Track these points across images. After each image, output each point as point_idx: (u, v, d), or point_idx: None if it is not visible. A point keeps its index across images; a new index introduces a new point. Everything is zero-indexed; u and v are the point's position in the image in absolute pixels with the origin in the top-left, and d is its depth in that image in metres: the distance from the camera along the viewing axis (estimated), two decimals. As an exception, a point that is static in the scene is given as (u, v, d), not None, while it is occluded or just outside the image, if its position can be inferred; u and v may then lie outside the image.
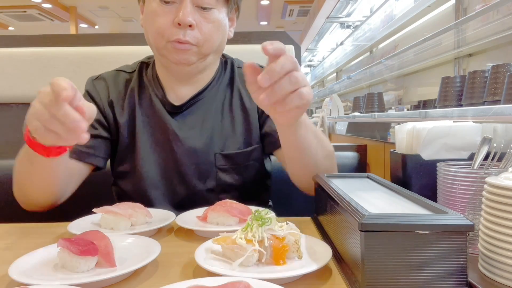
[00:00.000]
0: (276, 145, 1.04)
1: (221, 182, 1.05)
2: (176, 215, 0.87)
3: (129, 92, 1.07)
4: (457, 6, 2.38)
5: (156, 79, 1.07)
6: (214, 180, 1.04)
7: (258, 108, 1.07)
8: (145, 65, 1.11)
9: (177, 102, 1.04)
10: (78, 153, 0.97)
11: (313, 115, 3.90)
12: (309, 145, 0.88)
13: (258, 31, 1.52)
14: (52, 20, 10.11)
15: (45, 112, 0.66)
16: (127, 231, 0.78)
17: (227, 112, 1.07)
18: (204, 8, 0.93)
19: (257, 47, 1.49)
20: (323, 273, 0.60)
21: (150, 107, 1.05)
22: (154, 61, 1.10)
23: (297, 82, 0.66)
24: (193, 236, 0.80)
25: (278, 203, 1.39)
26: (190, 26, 0.91)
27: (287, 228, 0.63)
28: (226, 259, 0.62)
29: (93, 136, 0.96)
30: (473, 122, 0.89)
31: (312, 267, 0.57)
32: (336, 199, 0.65)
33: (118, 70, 1.11)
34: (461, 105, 1.31)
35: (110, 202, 1.00)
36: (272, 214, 0.64)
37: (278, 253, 0.60)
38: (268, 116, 1.06)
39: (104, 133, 1.03)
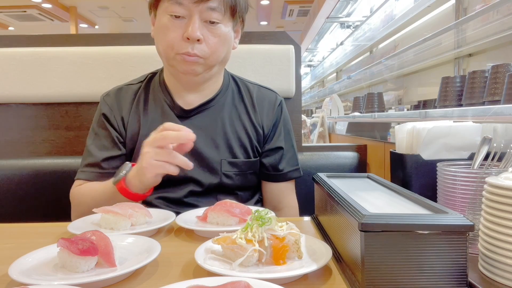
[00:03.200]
0: (265, 177, 1.16)
1: (224, 185, 1.08)
2: (177, 215, 0.87)
3: (137, 100, 1.12)
4: (457, 6, 2.37)
5: (164, 86, 1.12)
6: (218, 183, 1.08)
7: (264, 129, 1.14)
8: (153, 75, 1.17)
9: (186, 107, 1.09)
10: (106, 177, 1.05)
11: (313, 115, 3.89)
12: None
13: (258, 31, 1.52)
14: (52, 20, 10.11)
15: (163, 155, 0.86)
16: (127, 231, 0.78)
17: (235, 122, 1.12)
18: (212, 23, 0.98)
19: (257, 47, 1.50)
20: (323, 273, 0.60)
21: (158, 111, 1.10)
22: (161, 70, 1.15)
23: None
24: (193, 236, 0.80)
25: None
26: (198, 40, 0.97)
27: (287, 228, 0.63)
28: (226, 259, 0.62)
29: (117, 157, 1.07)
30: (473, 122, 0.89)
31: (312, 267, 0.57)
32: (336, 199, 0.65)
33: (128, 84, 1.17)
34: (461, 105, 1.31)
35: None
36: (272, 214, 0.64)
37: (278, 253, 0.60)
38: (272, 150, 1.15)
39: (123, 149, 1.10)
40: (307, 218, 0.93)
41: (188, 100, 1.09)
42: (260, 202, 1.20)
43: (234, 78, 1.19)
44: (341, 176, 0.90)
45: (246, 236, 0.61)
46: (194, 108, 1.09)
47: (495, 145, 0.69)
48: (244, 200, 1.11)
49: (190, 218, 0.86)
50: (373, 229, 0.51)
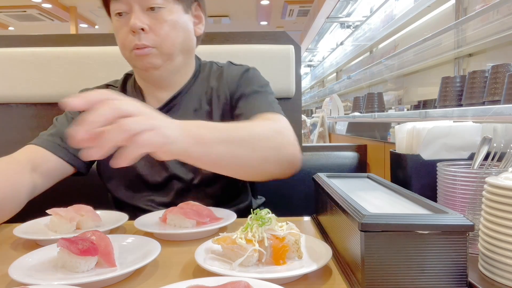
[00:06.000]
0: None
1: (206, 178, 1.03)
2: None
3: None
4: (457, 6, 2.38)
5: (137, 88, 1.10)
6: (200, 177, 1.03)
7: (231, 100, 1.04)
8: (129, 76, 1.15)
9: (157, 106, 1.06)
10: (65, 153, 0.98)
11: (313, 115, 3.90)
12: (236, 156, 0.75)
13: (258, 31, 1.52)
14: (52, 20, 10.10)
15: None
16: (71, 234, 0.76)
17: (205, 110, 1.06)
18: (153, 9, 0.94)
19: (257, 47, 1.50)
20: (323, 273, 0.60)
21: None
22: None
23: (128, 129, 0.56)
24: (193, 237, 0.80)
25: (278, 203, 1.39)
26: (143, 30, 0.94)
27: (287, 228, 0.63)
28: (226, 259, 0.62)
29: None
30: (473, 122, 0.89)
31: (312, 267, 0.57)
32: (336, 199, 0.65)
33: (107, 85, 1.15)
34: (461, 105, 1.31)
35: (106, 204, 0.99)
36: (272, 214, 0.64)
37: (278, 253, 0.60)
38: (238, 100, 1.02)
39: None
40: (307, 218, 0.93)
41: (159, 99, 1.06)
42: (254, 190, 1.16)
43: (207, 65, 1.12)
44: (341, 176, 0.90)
45: (246, 236, 0.61)
46: (161, 106, 1.05)
47: (495, 145, 0.69)
48: (236, 191, 1.08)
49: (152, 219, 0.86)
50: (373, 229, 0.51)
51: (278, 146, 0.83)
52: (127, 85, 1.13)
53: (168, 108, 1.05)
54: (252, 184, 1.20)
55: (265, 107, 0.98)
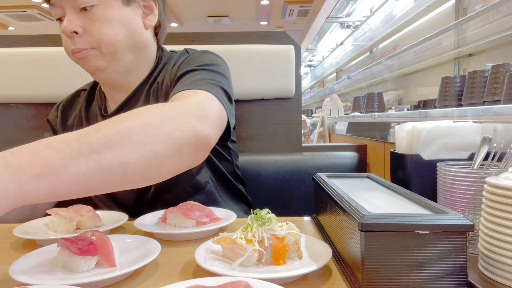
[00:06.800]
0: None
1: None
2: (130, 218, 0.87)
3: (79, 108, 1.10)
4: (457, 6, 2.38)
5: (102, 92, 1.08)
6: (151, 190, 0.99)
7: (173, 83, 0.96)
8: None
9: (112, 109, 1.03)
10: None
11: (313, 115, 3.90)
12: (107, 165, 0.57)
13: (258, 31, 1.52)
14: (52, 20, 10.10)
15: None
16: (71, 234, 0.77)
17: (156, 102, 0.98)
18: (86, 9, 0.88)
19: (257, 47, 1.50)
20: (323, 273, 0.60)
21: (94, 119, 1.07)
22: None
23: None
24: (192, 236, 0.80)
25: (278, 203, 1.39)
26: (77, 33, 0.89)
27: (287, 228, 0.63)
28: (226, 259, 0.62)
29: None
30: (473, 122, 0.89)
31: (312, 267, 0.57)
32: (336, 199, 0.65)
33: (79, 90, 1.14)
34: (461, 105, 1.31)
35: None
36: (272, 214, 0.64)
37: (278, 253, 0.60)
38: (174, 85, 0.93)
39: None
40: (307, 218, 0.93)
41: (116, 100, 1.03)
42: (219, 179, 1.09)
43: (167, 56, 1.05)
44: (341, 176, 0.90)
45: (246, 236, 0.61)
46: (117, 108, 1.00)
47: (495, 145, 0.69)
48: (198, 183, 1.01)
49: (152, 219, 0.87)
50: (373, 229, 0.51)
51: (168, 133, 0.64)
52: (97, 88, 1.11)
53: (124, 111, 0.91)
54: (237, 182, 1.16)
55: (189, 85, 0.84)
